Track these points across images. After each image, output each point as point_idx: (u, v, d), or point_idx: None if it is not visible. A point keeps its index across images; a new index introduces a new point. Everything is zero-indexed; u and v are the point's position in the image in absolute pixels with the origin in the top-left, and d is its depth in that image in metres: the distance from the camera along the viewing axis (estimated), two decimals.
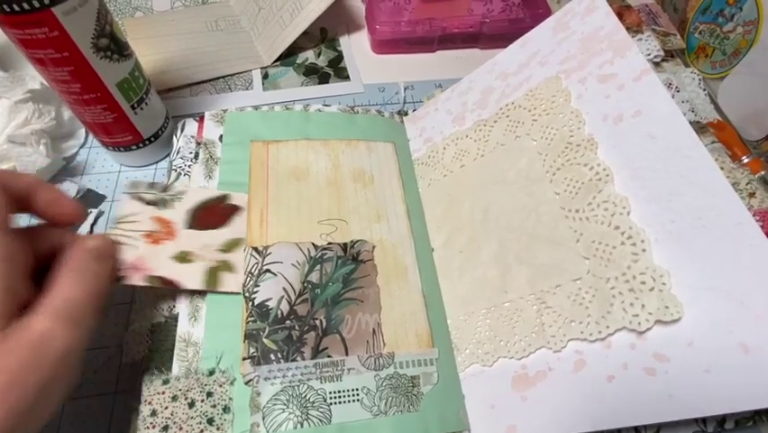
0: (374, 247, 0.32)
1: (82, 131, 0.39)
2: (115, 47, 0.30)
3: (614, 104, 0.29)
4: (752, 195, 0.32)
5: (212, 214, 0.31)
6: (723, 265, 0.23)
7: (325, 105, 0.40)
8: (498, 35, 0.48)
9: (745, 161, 0.38)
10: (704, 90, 0.33)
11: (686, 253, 0.24)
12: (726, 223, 0.23)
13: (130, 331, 0.29)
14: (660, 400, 0.23)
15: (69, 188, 0.37)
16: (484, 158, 0.34)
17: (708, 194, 0.24)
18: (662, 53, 0.33)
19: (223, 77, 0.45)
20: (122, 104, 0.33)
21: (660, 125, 0.27)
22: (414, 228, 0.35)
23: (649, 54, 0.33)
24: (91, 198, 0.37)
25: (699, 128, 0.34)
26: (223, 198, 0.32)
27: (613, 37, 0.30)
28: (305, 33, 0.46)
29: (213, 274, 0.28)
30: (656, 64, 0.40)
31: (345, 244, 0.32)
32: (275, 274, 0.29)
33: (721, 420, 0.28)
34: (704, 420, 0.28)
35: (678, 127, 0.26)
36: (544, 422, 0.26)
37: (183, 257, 0.28)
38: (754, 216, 0.24)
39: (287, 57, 0.47)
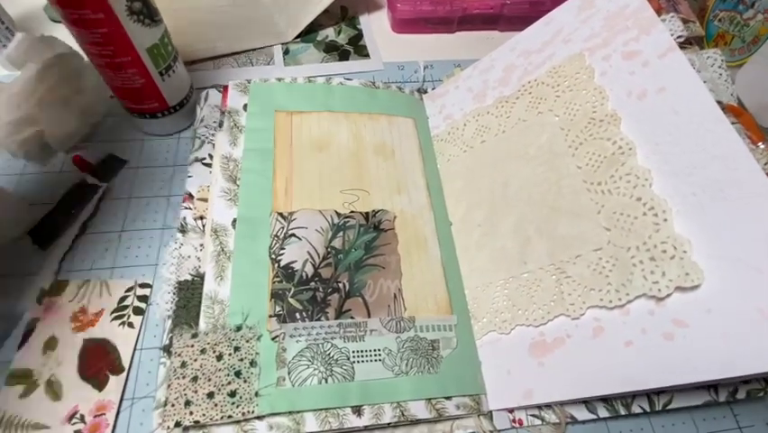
0: (395, 217, 0.33)
1: (108, 97, 0.40)
2: (147, 11, 0.31)
3: (638, 80, 0.29)
4: None
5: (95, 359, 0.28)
6: (743, 235, 0.23)
7: (347, 79, 0.40)
8: (518, 18, 0.48)
9: (762, 146, 0.39)
10: (726, 72, 0.33)
11: (707, 224, 0.24)
12: (747, 195, 0.24)
13: (156, 288, 0.30)
14: (677, 364, 0.23)
15: (93, 153, 0.38)
16: (505, 134, 0.35)
17: (730, 167, 0.25)
18: (685, 33, 0.33)
19: (244, 51, 0.45)
20: (151, 69, 0.33)
21: (684, 101, 0.27)
22: (433, 201, 0.35)
23: (672, 34, 0.33)
24: (113, 163, 0.37)
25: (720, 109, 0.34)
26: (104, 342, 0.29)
27: (639, 15, 0.31)
28: (325, 11, 0.46)
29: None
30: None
31: (367, 213, 0.33)
32: (300, 239, 0.30)
33: (733, 391, 0.28)
34: (716, 390, 0.29)
35: (702, 102, 0.27)
36: (562, 386, 0.27)
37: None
38: None
39: (307, 34, 0.48)
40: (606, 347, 0.26)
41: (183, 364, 0.25)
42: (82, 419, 0.27)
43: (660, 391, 0.29)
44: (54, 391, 0.28)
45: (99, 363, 0.29)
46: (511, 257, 0.31)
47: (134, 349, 0.29)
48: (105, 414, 0.27)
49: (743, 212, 0.24)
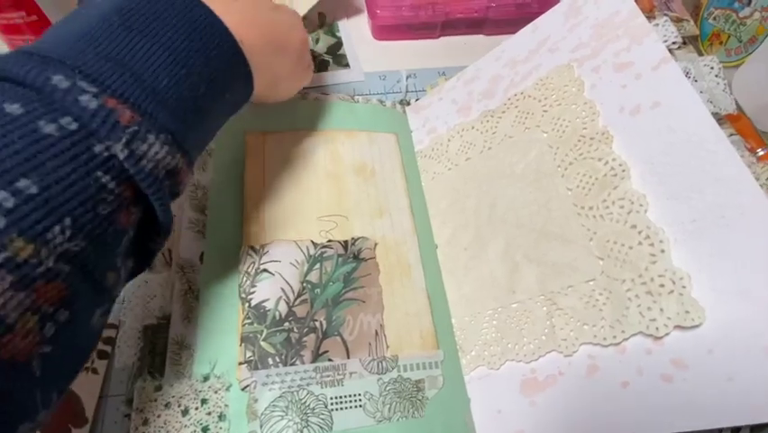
0: (376, 245, 0.31)
1: None
2: None
3: (631, 94, 0.27)
4: None
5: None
6: (747, 267, 0.22)
7: (324, 94, 0.38)
8: (504, 21, 0.46)
9: (761, 153, 0.37)
10: (723, 80, 0.31)
11: (708, 254, 0.23)
12: (752, 221, 0.22)
13: (120, 333, 0.28)
14: (677, 410, 0.22)
15: None
16: (491, 150, 0.33)
17: (732, 191, 0.23)
18: (679, 40, 0.31)
19: None
20: None
21: (680, 117, 0.25)
22: (417, 224, 0.33)
23: (666, 41, 0.31)
24: None
25: (718, 120, 0.32)
26: None
27: (630, 23, 0.29)
28: (302, 18, 0.44)
29: None
30: (669, 51, 0.38)
31: (346, 242, 0.31)
32: (272, 274, 0.28)
33: (736, 429, 0.27)
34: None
35: (700, 119, 0.25)
36: (554, 429, 0.25)
37: None
38: None
39: None
40: (601, 388, 0.24)
41: (145, 422, 0.23)
42: None
43: None
44: None
45: (60, 415, 0.27)
46: (499, 285, 0.29)
47: (99, 397, 0.28)
48: None
49: (748, 241, 0.22)
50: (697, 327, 0.22)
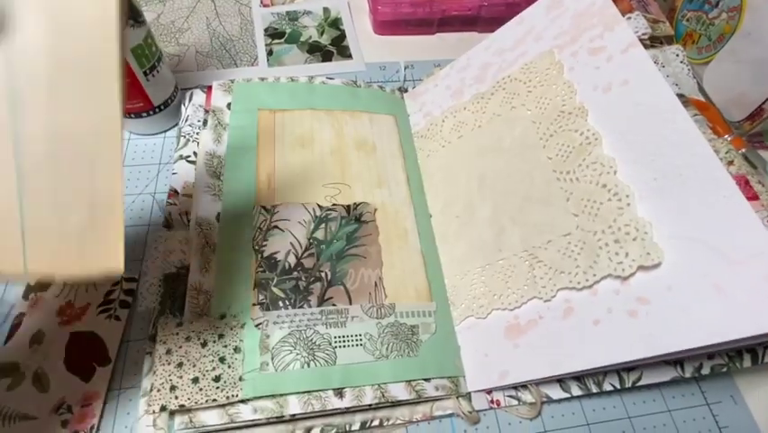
0: (376, 210, 0.34)
1: None
2: (131, 12, 0.32)
3: (603, 74, 0.31)
4: (730, 163, 0.34)
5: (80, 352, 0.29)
6: (699, 216, 0.25)
7: (329, 78, 0.41)
8: (496, 19, 0.50)
9: (728, 138, 0.41)
10: (687, 66, 0.35)
11: (666, 207, 0.26)
12: (703, 177, 0.25)
13: (142, 282, 0.30)
14: (641, 339, 0.25)
15: None
16: (481, 128, 0.36)
17: (687, 153, 0.26)
18: (649, 30, 0.35)
19: (228, 52, 0.46)
20: (135, 70, 0.34)
21: (645, 93, 0.29)
22: (413, 195, 0.36)
23: (637, 32, 0.35)
24: None
25: (683, 102, 0.36)
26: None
27: (603, 12, 0.32)
28: (308, 12, 0.47)
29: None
30: (645, 47, 0.42)
31: (348, 206, 0.34)
32: (282, 230, 0.31)
33: (698, 366, 0.30)
34: (682, 367, 0.30)
35: (661, 94, 0.28)
36: (535, 366, 0.28)
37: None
38: None
39: (291, 34, 0.49)
40: (575, 327, 0.27)
41: (168, 351, 0.26)
42: (69, 409, 0.27)
43: (630, 369, 0.30)
44: (41, 382, 0.28)
45: (86, 355, 0.29)
46: (487, 246, 0.32)
47: (121, 341, 0.30)
48: (91, 404, 0.28)
49: (699, 194, 0.25)
50: (657, 266, 0.25)
